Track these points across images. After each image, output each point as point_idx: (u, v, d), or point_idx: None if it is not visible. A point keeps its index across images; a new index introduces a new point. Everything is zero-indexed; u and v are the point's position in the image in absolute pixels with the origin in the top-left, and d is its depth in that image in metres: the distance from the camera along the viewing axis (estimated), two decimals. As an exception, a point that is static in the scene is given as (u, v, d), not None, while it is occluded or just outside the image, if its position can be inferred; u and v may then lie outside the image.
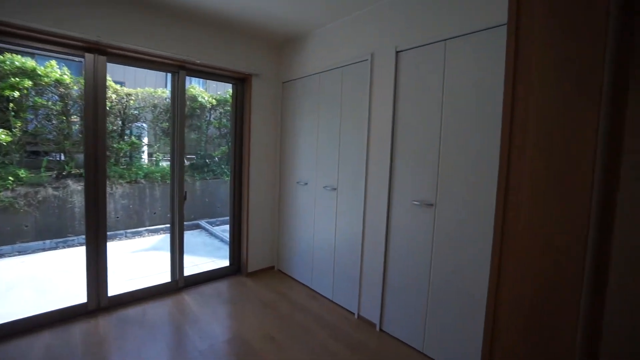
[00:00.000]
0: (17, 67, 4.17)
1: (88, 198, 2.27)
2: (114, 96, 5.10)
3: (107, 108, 2.35)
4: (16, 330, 2.04)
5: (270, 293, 2.67)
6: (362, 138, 2.27)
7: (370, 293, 2.24)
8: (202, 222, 5.22)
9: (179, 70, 2.61)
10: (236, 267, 3.09)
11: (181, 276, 2.68)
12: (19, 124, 4.26)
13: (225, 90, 6.10)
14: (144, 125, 5.65)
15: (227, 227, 5.29)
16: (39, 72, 4.42)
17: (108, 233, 4.61)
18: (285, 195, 3.04)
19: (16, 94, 4.11)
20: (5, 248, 3.98)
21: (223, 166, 5.83)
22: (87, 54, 2.22)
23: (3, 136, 3.94)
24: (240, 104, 3.00)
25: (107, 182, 4.38)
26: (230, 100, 6.14)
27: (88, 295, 2.27)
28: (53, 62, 4.71)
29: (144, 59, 2.45)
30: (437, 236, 1.85)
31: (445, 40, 1.79)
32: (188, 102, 5.87)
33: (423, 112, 1.92)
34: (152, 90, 5.64)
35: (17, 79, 4.12)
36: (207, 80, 7.10)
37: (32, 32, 1.97)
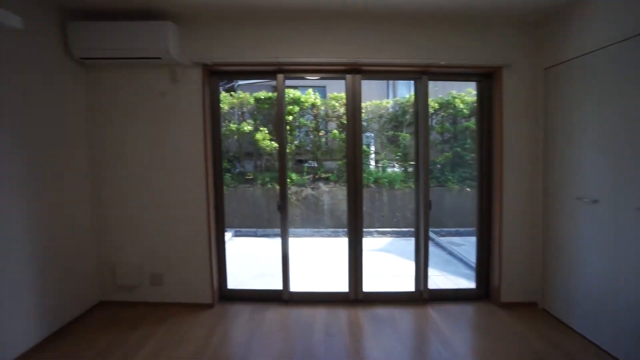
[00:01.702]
0: (291, 98, 5.61)
1: (349, 199, 2.61)
2: (342, 109, 5.92)
3: (351, 121, 2.60)
4: (305, 299, 2.63)
5: (538, 340, 2.08)
6: None
7: None
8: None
9: (421, 75, 2.57)
10: (483, 292, 2.69)
11: (426, 288, 2.61)
12: (292, 140, 5.75)
13: (447, 92, 5.79)
14: (372, 134, 6.24)
15: (454, 239, 5.06)
16: (302, 100, 5.78)
17: (345, 229, 5.50)
18: (556, 214, 2.33)
19: (290, 117, 5.54)
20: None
21: (447, 173, 5.55)
22: (347, 75, 2.55)
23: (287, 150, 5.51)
24: (487, 102, 2.61)
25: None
26: (453, 102, 5.96)
27: (349, 287, 2.61)
28: (310, 91, 6.03)
29: (389, 71, 2.59)
30: None
31: None
32: (409, 109, 6.01)
33: None
34: (378, 102, 6.14)
35: (290, 106, 5.55)
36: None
37: (312, 66, 2.49)
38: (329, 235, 5.40)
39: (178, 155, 2.49)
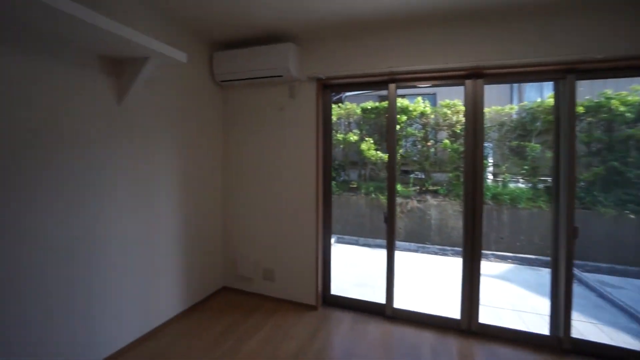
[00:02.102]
0: (399, 107, 5.46)
1: (466, 216, 2.35)
2: (455, 117, 5.40)
3: (471, 130, 2.31)
4: (409, 318, 2.47)
5: None
6: None
7: None
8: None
9: (566, 75, 2.11)
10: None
11: (567, 335, 2.10)
12: (399, 150, 5.58)
13: (598, 93, 4.65)
14: (490, 144, 5.53)
15: (607, 277, 3.88)
16: (410, 108, 5.56)
17: (454, 248, 4.98)
18: None
19: (397, 127, 5.41)
20: (382, 242, 5.32)
21: (596, 193, 4.43)
22: (466, 81, 2.31)
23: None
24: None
25: (459, 200, 4.80)
26: (607, 104, 4.72)
27: (462, 314, 2.33)
28: (419, 99, 5.76)
29: (519, 72, 2.22)
30: None
31: None
32: (541, 115, 5.08)
33: None
34: (499, 108, 5.42)
35: (398, 116, 5.41)
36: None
37: (426, 73, 2.35)
38: (435, 253, 4.98)
39: (293, 164, 2.71)
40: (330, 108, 2.79)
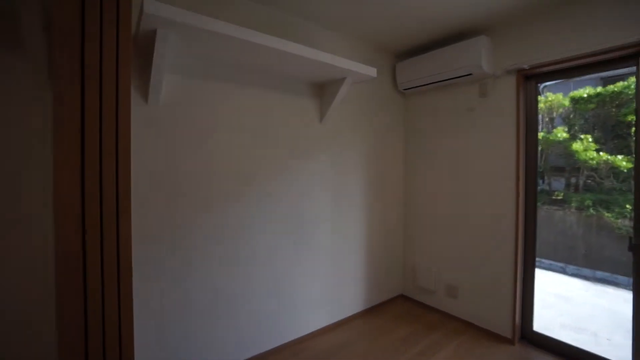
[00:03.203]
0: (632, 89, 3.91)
1: None
2: None
3: None
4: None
5: None
6: None
7: None
8: None
9: None
10: None
11: None
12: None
13: None
14: None
15: None
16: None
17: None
18: None
19: (631, 117, 3.87)
20: (607, 275, 3.90)
21: None
22: None
23: (624, 163, 3.90)
24: None
25: None
26: None
27: None
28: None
29: None
30: None
31: None
32: None
33: None
34: None
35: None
36: None
37: None
38: None
39: (484, 170, 2.40)
40: (536, 102, 2.29)
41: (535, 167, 2.28)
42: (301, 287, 2.26)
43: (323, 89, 2.28)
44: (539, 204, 4.77)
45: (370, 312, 2.69)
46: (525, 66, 2.14)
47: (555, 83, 5.68)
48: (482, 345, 2.20)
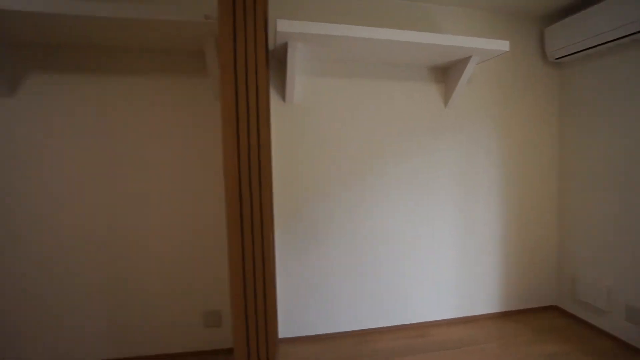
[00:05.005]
0: None
1: None
2: None
3: None
4: None
5: None
6: None
7: None
8: None
9: None
10: None
11: None
12: None
13: None
14: None
15: None
16: None
17: None
18: None
19: None
20: None
21: None
22: None
23: None
24: None
25: None
26: None
27: None
28: None
29: None
30: None
31: None
32: None
33: None
34: None
35: None
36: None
37: None
38: None
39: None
40: None
41: None
42: (429, 274, 2.26)
43: (446, 73, 2.17)
44: None
45: (506, 316, 2.37)
46: None
47: None
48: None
